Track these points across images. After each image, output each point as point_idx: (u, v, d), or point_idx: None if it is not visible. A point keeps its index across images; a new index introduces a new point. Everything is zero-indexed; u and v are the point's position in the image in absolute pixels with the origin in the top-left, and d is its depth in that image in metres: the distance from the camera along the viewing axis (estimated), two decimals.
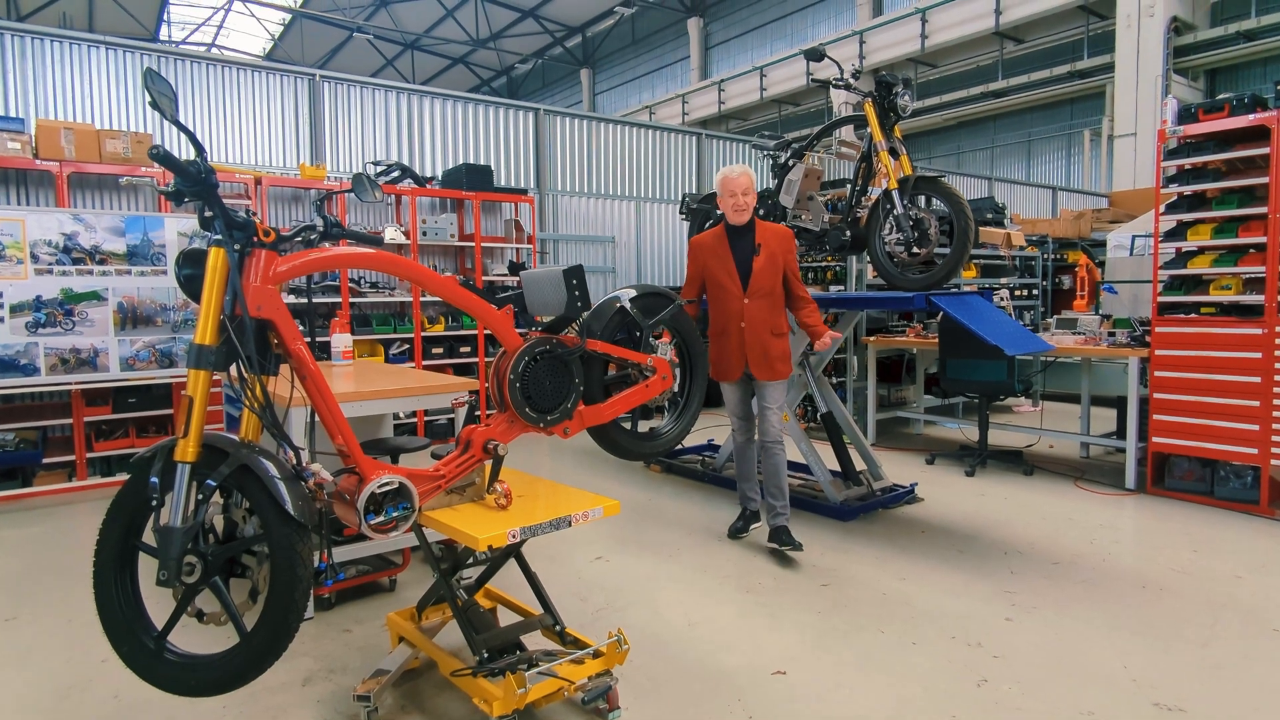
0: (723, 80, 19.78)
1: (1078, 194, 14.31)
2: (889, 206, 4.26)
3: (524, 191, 7.25)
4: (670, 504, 4.75)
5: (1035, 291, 8.52)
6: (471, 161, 7.36)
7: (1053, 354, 5.34)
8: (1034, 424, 6.33)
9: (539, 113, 7.86)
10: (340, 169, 6.81)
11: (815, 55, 4.31)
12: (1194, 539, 3.98)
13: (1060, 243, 11.08)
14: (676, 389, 3.07)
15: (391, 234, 6.52)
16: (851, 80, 4.40)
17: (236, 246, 1.96)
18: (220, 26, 25.04)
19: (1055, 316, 5.97)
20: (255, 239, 2.00)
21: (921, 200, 4.23)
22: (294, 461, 2.02)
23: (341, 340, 4.28)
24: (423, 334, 6.59)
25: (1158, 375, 4.71)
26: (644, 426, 4.58)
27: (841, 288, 7.05)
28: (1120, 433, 5.63)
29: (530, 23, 24.33)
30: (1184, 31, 13.04)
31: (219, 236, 1.94)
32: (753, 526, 4.06)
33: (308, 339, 2.16)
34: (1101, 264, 10.97)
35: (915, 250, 4.20)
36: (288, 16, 25.43)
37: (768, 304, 3.69)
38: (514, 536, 2.15)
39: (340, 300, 6.18)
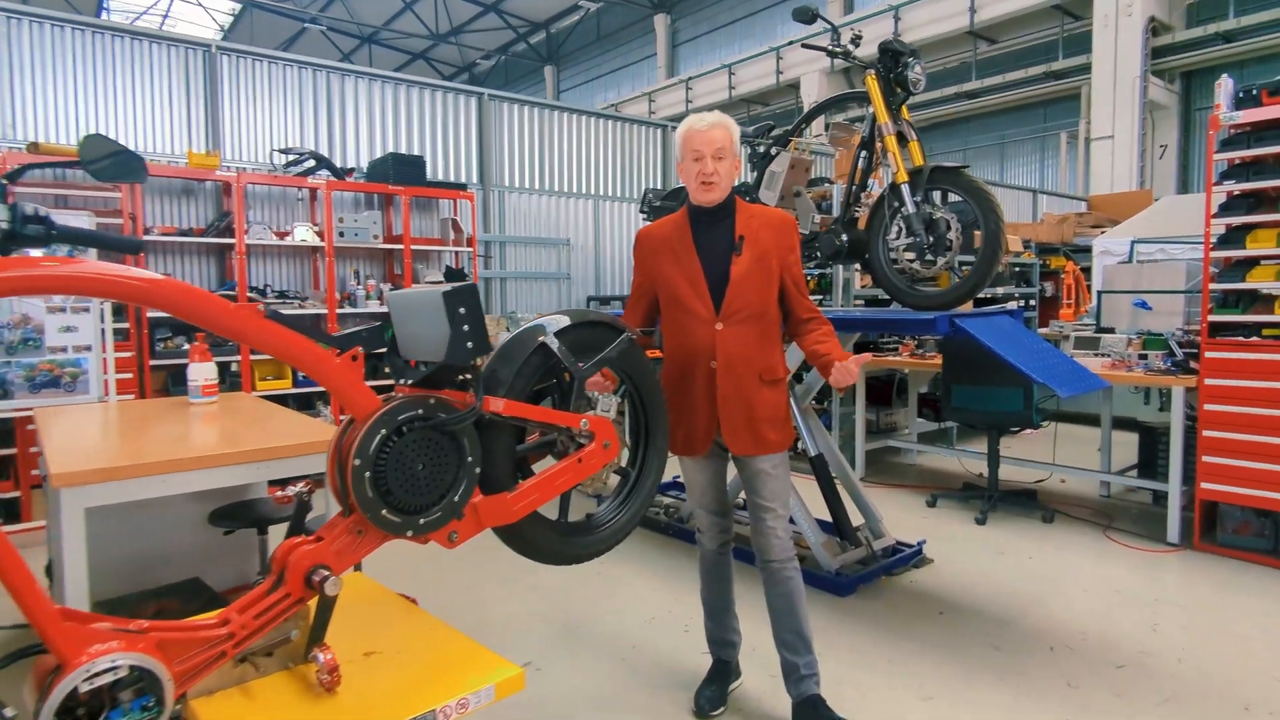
0: (690, 78, 19.06)
1: (1056, 197, 13.78)
2: (896, 204, 3.42)
3: (463, 187, 6.31)
4: (617, 587, 3.85)
5: (1033, 302, 7.79)
6: (405, 152, 6.38)
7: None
8: (1043, 454, 5.57)
9: (483, 98, 6.92)
10: (242, 157, 5.79)
11: (805, 15, 3.47)
12: (1278, 622, 3.19)
13: (1041, 247, 10.48)
14: (626, 460, 2.18)
15: (302, 234, 5.54)
16: (850, 48, 3.56)
17: None
18: (166, 15, 23.55)
19: (1071, 333, 5.21)
20: None
21: (937, 197, 3.42)
22: None
23: (201, 372, 3.31)
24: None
25: (1208, 409, 3.95)
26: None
27: (823, 297, 6.23)
28: (1143, 467, 4.89)
29: (493, 17, 23.34)
30: (1161, 32, 12.60)
31: None
32: (732, 687, 2.68)
33: None
34: (1086, 270, 10.38)
35: (929, 258, 3.37)
36: (238, 6, 24.12)
37: (755, 332, 2.32)
38: None
39: None
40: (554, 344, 1.90)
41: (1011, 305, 6.42)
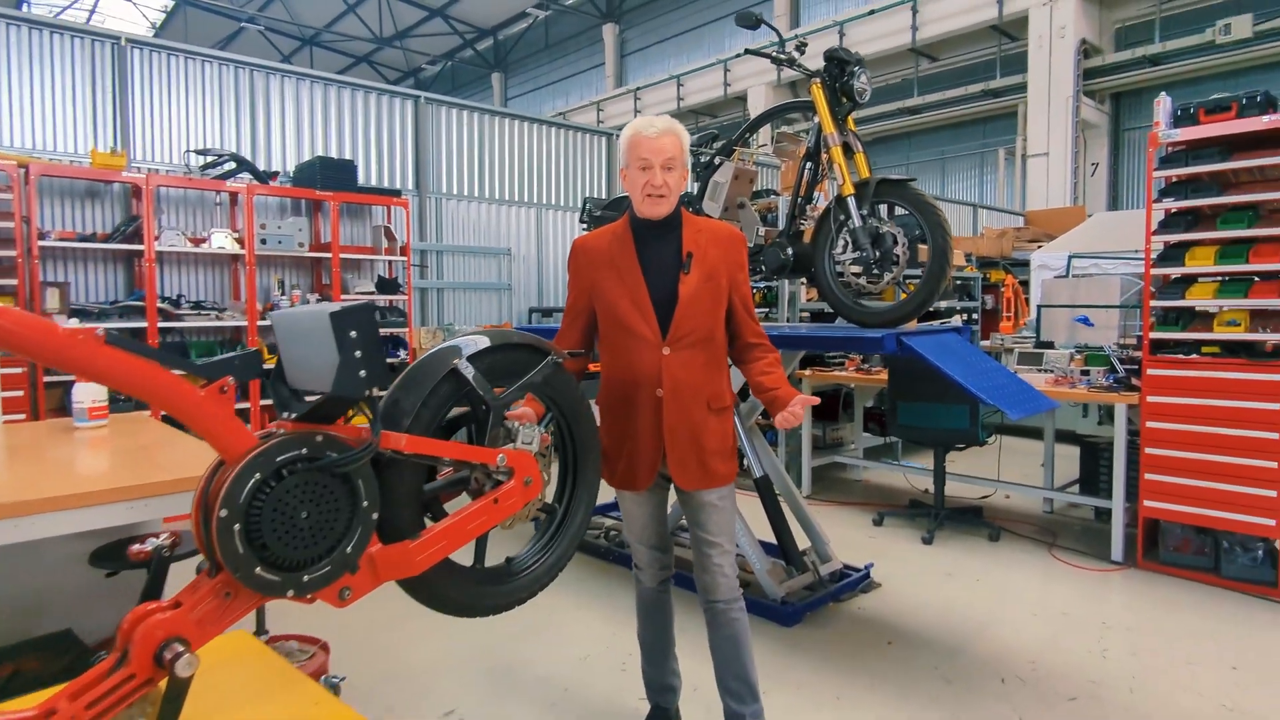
0: (639, 89, 19.03)
1: (995, 212, 14.10)
2: (843, 217, 3.31)
3: (397, 193, 6.02)
4: (550, 621, 3.64)
5: (976, 316, 7.85)
6: (335, 156, 6.06)
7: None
8: (988, 469, 5.55)
9: (419, 102, 6.65)
10: (155, 157, 5.40)
11: (749, 20, 3.34)
12: (1223, 646, 3.15)
13: (982, 261, 10.67)
14: (552, 497, 1.98)
15: (220, 240, 5.18)
16: (795, 55, 3.44)
17: None
18: (92, 11, 22.46)
19: (1013, 346, 5.21)
20: None
21: (883, 210, 3.32)
22: None
23: (88, 392, 2.98)
24: (263, 367, 5.24)
25: (1150, 426, 3.94)
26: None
27: (769, 310, 6.14)
28: (1085, 483, 4.89)
29: (439, 22, 22.95)
30: (1093, 54, 13.05)
31: None
32: None
33: None
34: (1024, 283, 10.60)
35: (876, 273, 3.26)
36: (170, 3, 23.17)
37: (703, 357, 2.15)
38: None
39: (145, 325, 4.80)
40: (468, 370, 1.69)
41: (956, 321, 6.43)
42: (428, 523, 1.65)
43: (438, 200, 6.80)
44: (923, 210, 3.12)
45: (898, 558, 4.22)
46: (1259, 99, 3.57)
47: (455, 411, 1.80)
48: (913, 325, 3.49)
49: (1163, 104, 3.83)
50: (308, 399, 1.57)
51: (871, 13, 14.50)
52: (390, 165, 6.53)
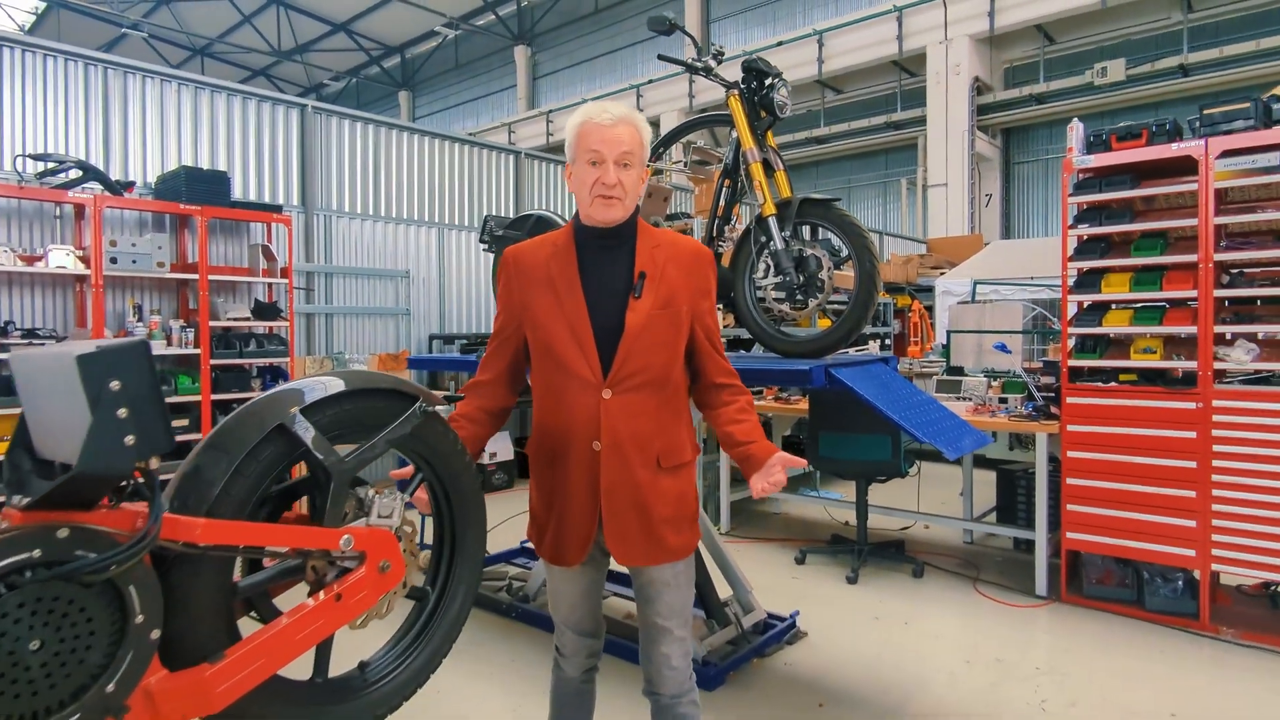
0: (551, 111, 18.77)
1: (899, 239, 14.49)
2: (763, 239, 3.07)
3: (277, 208, 5.45)
4: (439, 701, 3.18)
5: (888, 341, 7.85)
6: (209, 167, 5.44)
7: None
8: (906, 497, 5.43)
9: (306, 111, 6.10)
10: None
11: (661, 24, 3.07)
12: (1159, 690, 3.02)
13: (889, 286, 10.87)
14: (423, 577, 1.59)
15: (60, 259, 4.50)
16: (712, 64, 3.19)
17: None
18: None
19: (923, 369, 5.12)
20: None
21: (807, 232, 3.11)
22: None
23: None
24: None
25: (1070, 456, 3.86)
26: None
27: None
28: (1003, 510, 4.82)
29: (343, 38, 22.06)
30: (985, 92, 13.66)
31: None
32: None
33: None
34: (929, 308, 10.84)
35: (800, 298, 3.02)
36: (42, 4, 21.39)
37: (654, 402, 1.75)
38: None
39: None
40: (302, 427, 1.29)
41: (875, 347, 6.35)
42: (251, 628, 1.24)
43: (327, 218, 6.24)
44: (848, 232, 2.91)
45: (823, 600, 3.98)
46: (1168, 127, 3.57)
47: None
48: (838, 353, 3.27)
49: (1075, 130, 3.80)
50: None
51: (780, 44, 14.77)
52: (273, 179, 5.95)
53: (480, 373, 1.89)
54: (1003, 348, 4.61)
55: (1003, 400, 4.44)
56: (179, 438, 3.94)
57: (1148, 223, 3.68)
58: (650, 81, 17.07)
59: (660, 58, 3.26)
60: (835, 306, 4.31)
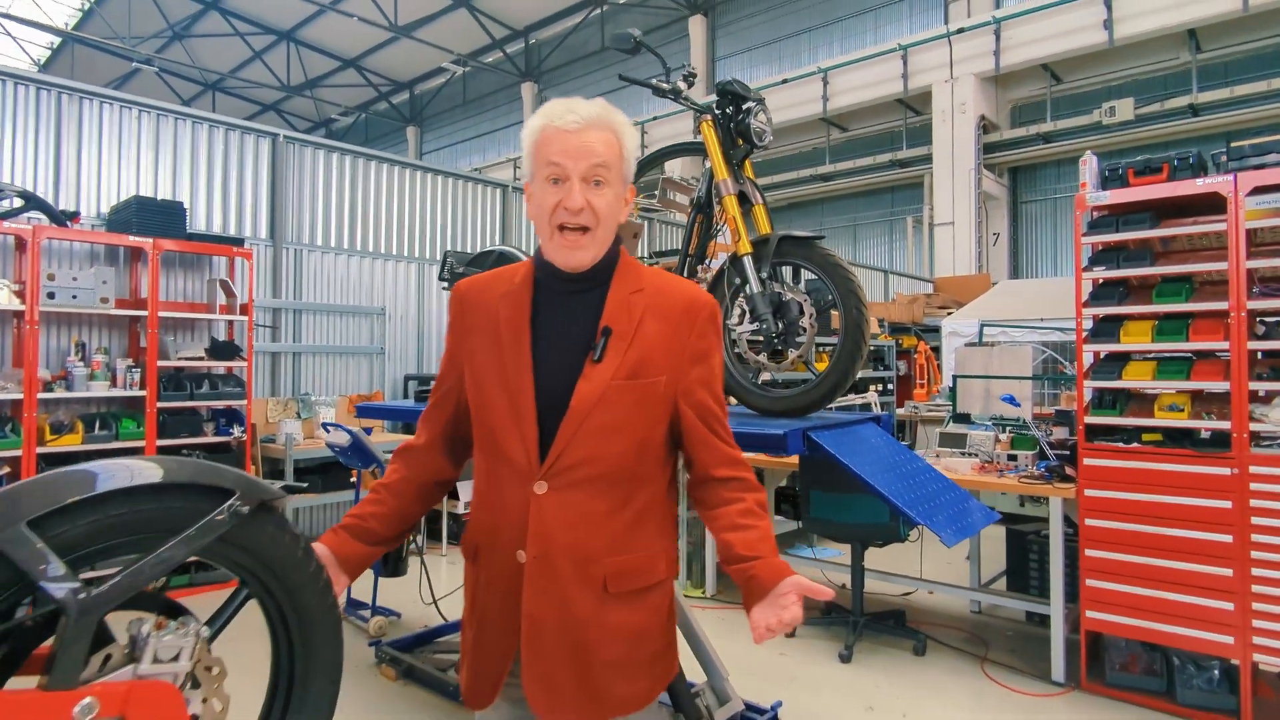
0: None
1: (905, 278, 14.19)
2: (739, 281, 2.73)
3: (239, 241, 5.16)
4: None
5: (890, 386, 7.45)
6: (171, 198, 5.16)
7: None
8: (907, 559, 4.99)
9: (277, 140, 5.85)
10: None
11: (625, 42, 2.75)
12: None
13: (894, 327, 10.52)
14: None
15: None
16: (681, 86, 2.88)
17: None
18: None
19: (928, 413, 4.73)
20: None
21: (788, 273, 2.78)
22: None
23: None
24: (39, 450, 4.24)
25: (1089, 524, 3.44)
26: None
27: None
28: (1013, 575, 4.38)
29: (353, 74, 22.21)
30: (991, 130, 13.46)
31: None
32: None
33: None
34: (936, 349, 10.45)
35: (779, 348, 2.67)
36: (56, 40, 21.66)
37: (604, 504, 1.30)
38: None
39: None
40: (23, 543, 0.93)
41: (873, 396, 5.96)
42: None
43: (297, 251, 5.95)
44: (832, 273, 2.55)
45: (811, 684, 3.54)
46: (1191, 160, 3.23)
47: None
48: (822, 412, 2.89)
49: (1089, 164, 3.46)
50: None
51: (785, 81, 14.65)
52: (239, 210, 5.67)
53: (417, 433, 1.49)
54: (1011, 400, 4.22)
55: (1012, 458, 4.04)
56: None
57: (1171, 265, 3.32)
58: (655, 118, 16.98)
59: (621, 78, 2.95)
60: (832, 346, 3.97)
